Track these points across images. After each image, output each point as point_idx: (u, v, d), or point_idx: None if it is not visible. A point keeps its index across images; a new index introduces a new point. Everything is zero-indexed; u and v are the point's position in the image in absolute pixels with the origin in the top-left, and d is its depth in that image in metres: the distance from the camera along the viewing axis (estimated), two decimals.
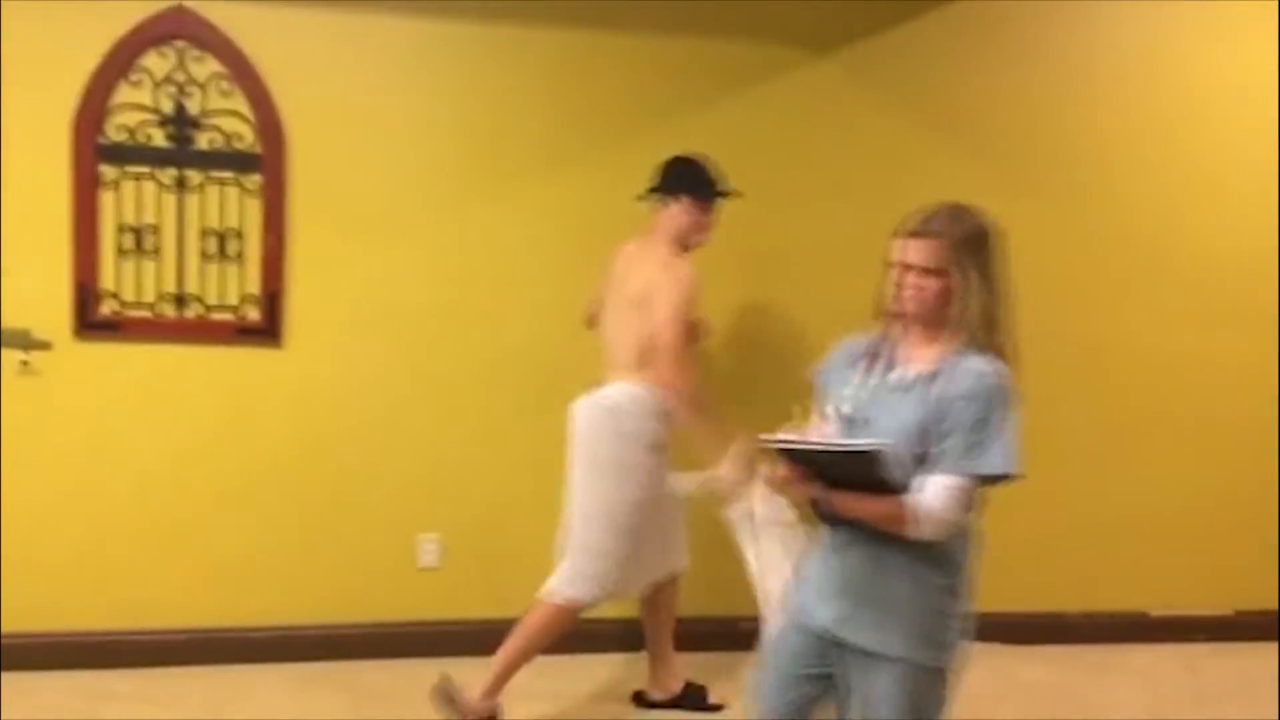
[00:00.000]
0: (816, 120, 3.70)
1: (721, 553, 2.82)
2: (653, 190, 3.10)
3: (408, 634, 3.56)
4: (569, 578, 3.01)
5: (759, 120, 3.64)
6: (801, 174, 3.68)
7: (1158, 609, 4.03)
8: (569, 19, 3.51)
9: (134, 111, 3.29)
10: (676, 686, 3.31)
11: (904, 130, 3.74)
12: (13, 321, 3.27)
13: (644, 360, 2.99)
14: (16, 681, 3.23)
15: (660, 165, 3.10)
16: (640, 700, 3.34)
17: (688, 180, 3.08)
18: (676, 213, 3.06)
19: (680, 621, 3.34)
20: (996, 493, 1.93)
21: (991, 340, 1.91)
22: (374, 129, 3.45)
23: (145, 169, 3.31)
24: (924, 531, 1.87)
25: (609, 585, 3.03)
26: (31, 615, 3.33)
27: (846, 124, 3.71)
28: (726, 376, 3.64)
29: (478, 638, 3.56)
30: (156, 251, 3.33)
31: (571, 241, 3.57)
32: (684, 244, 3.07)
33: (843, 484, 1.88)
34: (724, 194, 3.11)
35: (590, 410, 3.04)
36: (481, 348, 3.55)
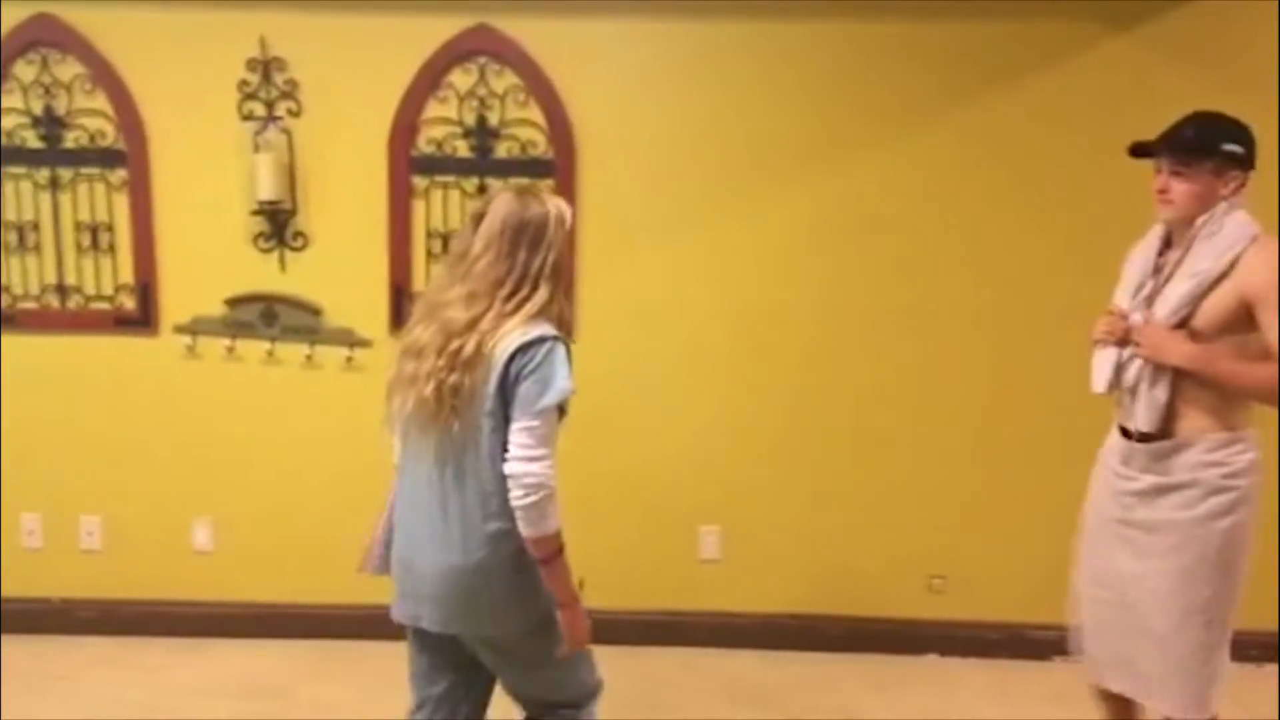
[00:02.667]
0: (1119, 95, 3.45)
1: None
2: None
3: (689, 623, 3.67)
4: None
5: (1055, 99, 3.45)
6: (1107, 152, 3.44)
7: None
8: (848, 12, 3.44)
9: (441, 125, 3.52)
10: None
11: (1214, 99, 3.42)
12: (339, 321, 3.61)
13: None
14: (350, 648, 3.61)
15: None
16: None
17: None
18: None
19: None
20: None
21: None
22: (657, 129, 3.53)
23: (451, 178, 3.54)
24: None
25: None
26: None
27: (1151, 97, 3.43)
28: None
29: (755, 631, 3.68)
30: None
31: (852, 236, 3.54)
32: None
33: None
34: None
35: None
36: (761, 342, 3.60)
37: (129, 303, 3.62)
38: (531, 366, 1.94)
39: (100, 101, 3.52)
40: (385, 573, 2.21)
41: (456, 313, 1.98)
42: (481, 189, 3.54)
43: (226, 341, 3.62)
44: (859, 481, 3.64)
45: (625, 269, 3.58)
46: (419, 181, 3.54)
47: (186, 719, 3.17)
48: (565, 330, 2.07)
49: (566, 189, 3.51)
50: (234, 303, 3.60)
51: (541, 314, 1.99)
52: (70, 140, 3.54)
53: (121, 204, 3.57)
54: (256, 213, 3.54)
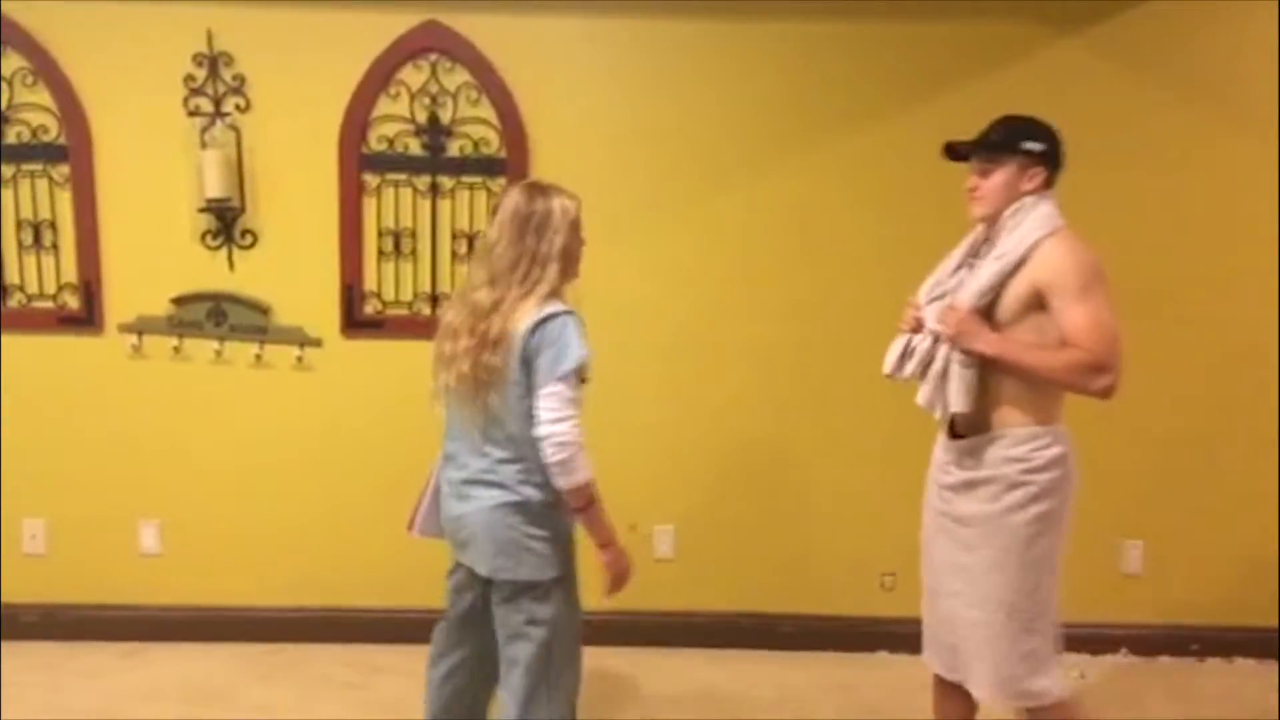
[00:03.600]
0: (1064, 98, 3.49)
1: None
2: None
3: (642, 623, 3.66)
4: None
5: (1000, 101, 3.45)
6: None
7: None
8: (797, 13, 3.46)
9: (392, 122, 3.49)
10: None
11: (1154, 103, 3.49)
12: (288, 320, 3.57)
13: None
14: (293, 652, 3.57)
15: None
16: None
17: None
18: None
19: None
20: None
21: None
22: (609, 127, 3.52)
23: (403, 176, 3.51)
24: None
25: None
26: (305, 590, 3.67)
27: (1094, 100, 3.49)
28: None
29: (709, 629, 3.68)
30: (413, 253, 3.54)
31: (805, 235, 3.56)
32: None
33: None
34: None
35: None
36: (713, 341, 3.60)
37: (73, 302, 3.55)
38: (549, 340, 2.19)
39: (42, 96, 3.46)
40: (426, 536, 2.47)
41: (482, 296, 2.25)
42: (433, 187, 3.52)
43: (173, 341, 3.56)
44: (811, 480, 3.66)
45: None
46: (370, 179, 3.51)
47: None
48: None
49: None
50: (181, 301, 3.55)
51: (553, 294, 2.24)
52: (11, 136, 3.47)
53: (65, 201, 3.51)
54: (204, 210, 3.49)
